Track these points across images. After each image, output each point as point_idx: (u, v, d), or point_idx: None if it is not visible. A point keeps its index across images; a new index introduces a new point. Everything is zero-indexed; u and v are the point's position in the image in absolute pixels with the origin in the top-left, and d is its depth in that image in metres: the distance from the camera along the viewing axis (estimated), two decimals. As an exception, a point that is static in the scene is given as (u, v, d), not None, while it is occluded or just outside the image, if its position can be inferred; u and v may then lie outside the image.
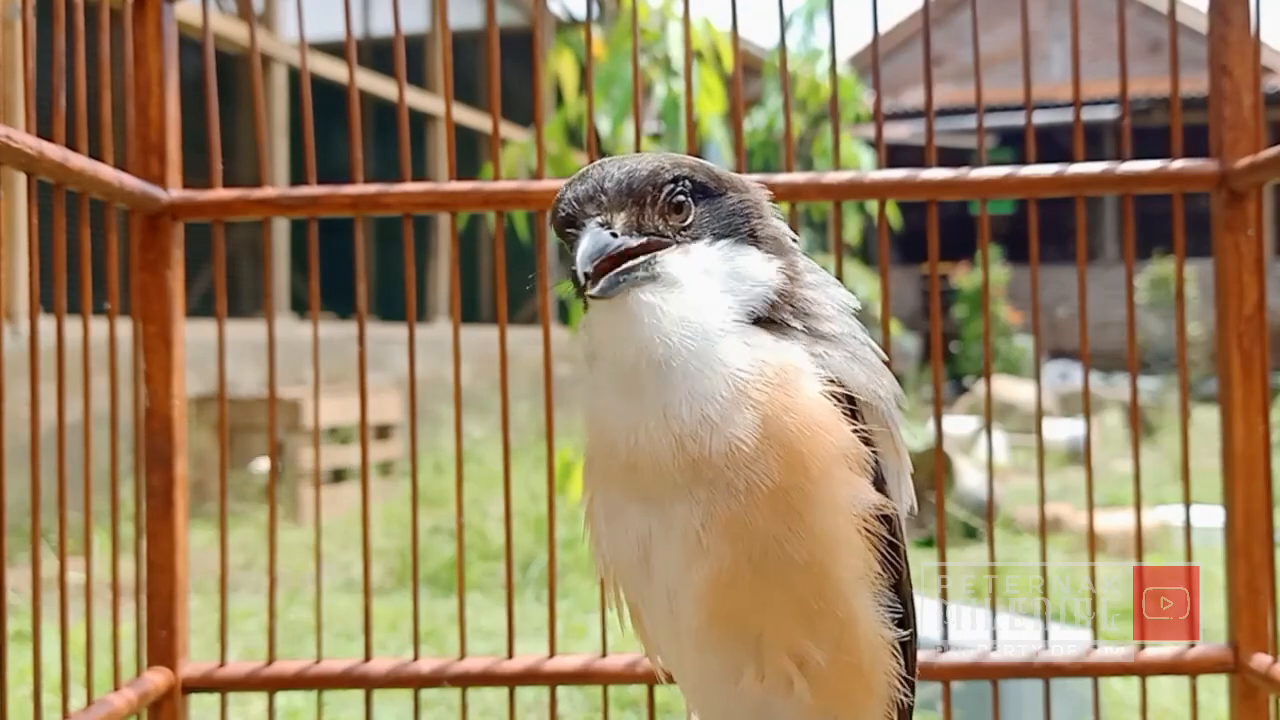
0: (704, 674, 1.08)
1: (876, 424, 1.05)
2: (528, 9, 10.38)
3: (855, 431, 1.02)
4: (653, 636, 1.12)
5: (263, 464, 6.19)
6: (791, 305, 1.06)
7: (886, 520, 1.03)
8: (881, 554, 1.03)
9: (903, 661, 1.07)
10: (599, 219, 1.02)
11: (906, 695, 1.08)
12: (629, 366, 1.02)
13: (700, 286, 1.03)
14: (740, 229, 1.07)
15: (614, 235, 1.02)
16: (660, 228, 1.04)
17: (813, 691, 1.04)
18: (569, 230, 1.03)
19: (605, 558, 1.10)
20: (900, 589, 1.06)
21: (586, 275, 1.00)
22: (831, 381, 1.02)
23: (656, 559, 1.03)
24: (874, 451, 1.04)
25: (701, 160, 1.11)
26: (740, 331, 1.02)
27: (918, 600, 1.67)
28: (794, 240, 1.12)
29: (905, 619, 1.07)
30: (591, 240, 1.00)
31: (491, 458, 5.90)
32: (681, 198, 1.05)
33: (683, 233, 1.05)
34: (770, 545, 0.98)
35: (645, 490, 1.02)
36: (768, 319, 1.04)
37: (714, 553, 0.99)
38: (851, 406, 1.03)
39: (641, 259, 1.02)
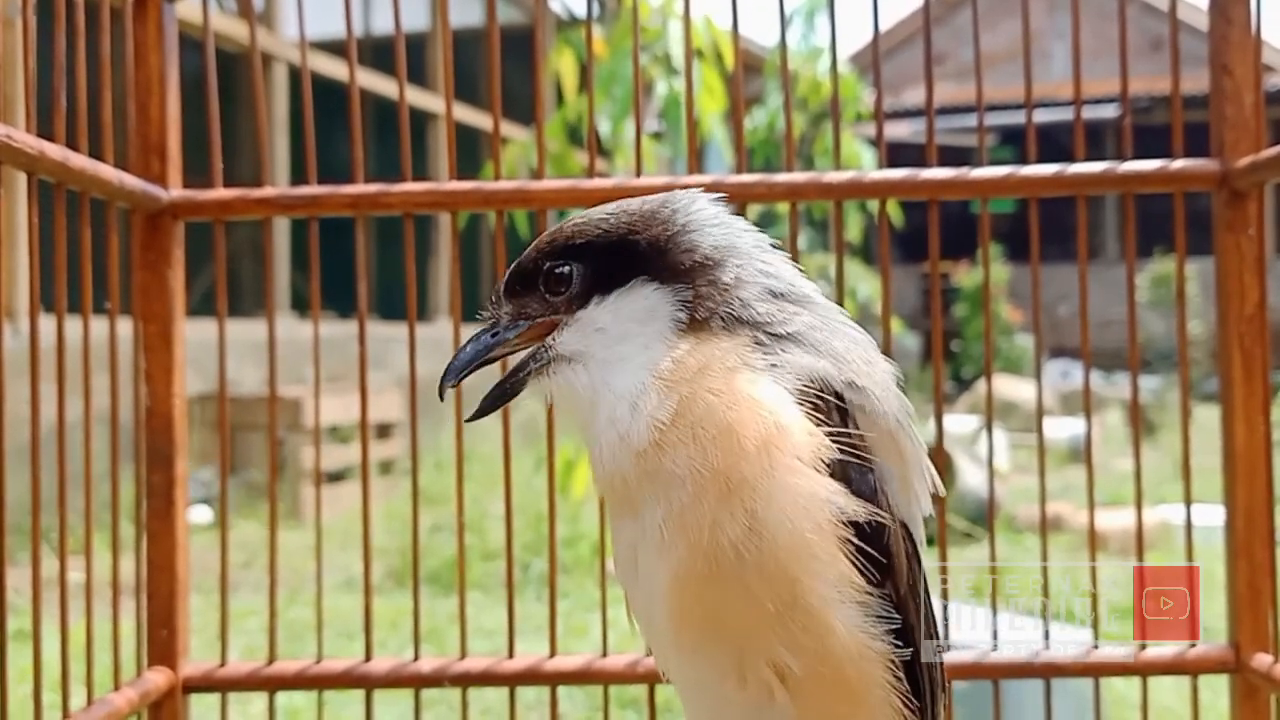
0: (688, 679, 1.07)
1: (868, 424, 1.02)
2: (528, 7, 10.36)
3: (824, 427, 0.99)
4: (648, 642, 1.12)
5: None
6: (719, 315, 1.04)
7: (859, 526, 0.98)
8: (856, 561, 0.98)
9: (904, 678, 1.02)
10: (489, 320, 1.13)
11: (915, 715, 1.03)
12: (587, 427, 1.08)
13: (599, 345, 1.07)
14: (635, 270, 1.08)
15: (493, 335, 1.12)
16: (543, 309, 1.10)
17: (795, 703, 1.00)
18: None
19: (615, 568, 1.11)
20: (902, 600, 1.02)
21: (450, 386, 1.13)
22: (785, 375, 1.00)
23: (640, 563, 1.04)
24: (853, 450, 1.00)
25: (612, 213, 1.11)
26: (659, 348, 1.05)
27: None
28: (731, 252, 1.08)
29: (908, 633, 1.02)
30: (460, 354, 1.12)
31: (492, 456, 5.89)
32: (564, 269, 1.09)
33: (570, 303, 1.09)
34: (720, 538, 0.97)
35: (629, 504, 1.03)
36: (696, 329, 1.04)
37: (673, 547, 1.00)
38: (816, 403, 1.00)
39: (531, 351, 1.11)
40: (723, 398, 0.99)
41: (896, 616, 1.01)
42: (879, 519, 1.00)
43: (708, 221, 1.09)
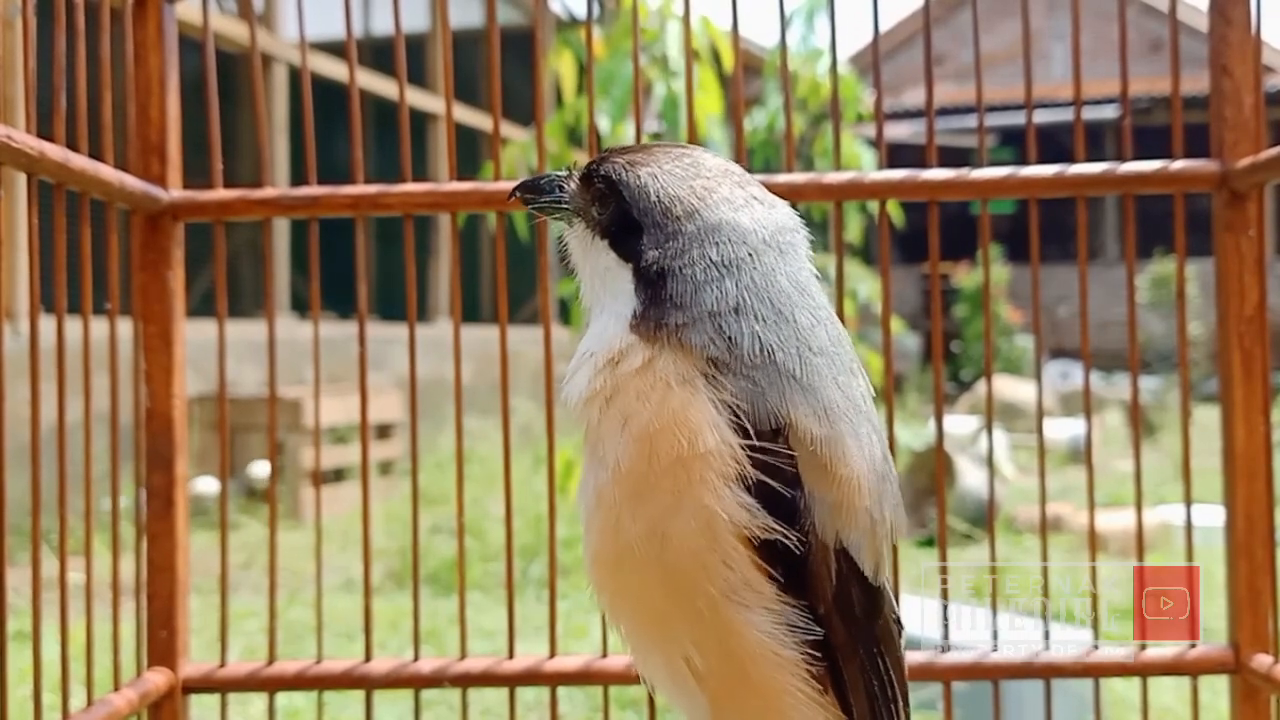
0: (631, 654, 1.12)
1: (806, 454, 1.03)
2: (528, 8, 10.37)
3: (750, 447, 1.01)
4: None
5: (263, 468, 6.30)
6: (666, 330, 1.06)
7: (768, 540, 1.01)
8: (766, 571, 1.01)
9: (828, 690, 1.04)
10: (562, 177, 1.19)
11: None
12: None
13: (585, 267, 1.17)
14: (630, 245, 1.11)
15: (560, 188, 1.19)
16: (583, 205, 1.17)
17: (705, 695, 1.05)
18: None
19: None
20: (824, 617, 1.04)
21: (516, 194, 1.22)
22: (726, 394, 1.02)
23: (585, 520, 1.10)
24: (775, 473, 1.01)
25: (657, 176, 1.12)
26: (623, 319, 1.10)
27: (917, 600, 1.68)
28: (729, 269, 1.08)
29: (833, 650, 1.05)
30: (537, 179, 1.21)
31: (492, 457, 5.90)
32: (602, 189, 1.14)
33: (593, 217, 1.16)
34: (624, 535, 1.02)
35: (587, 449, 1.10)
36: (653, 330, 1.07)
37: (594, 524, 1.06)
38: (748, 426, 1.01)
39: (566, 206, 1.19)
40: (649, 407, 1.03)
41: (818, 630, 1.04)
42: (784, 537, 1.01)
43: (724, 225, 1.09)
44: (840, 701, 1.06)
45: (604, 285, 1.14)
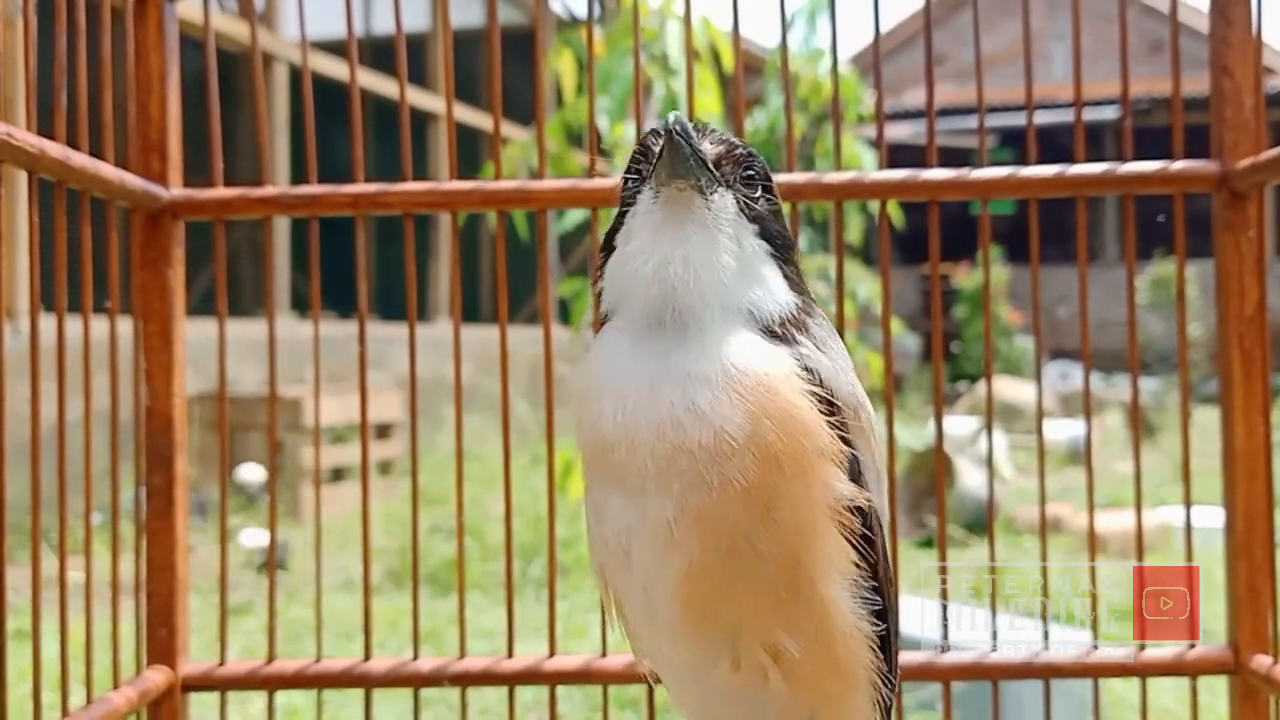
0: (681, 666, 1.11)
1: (855, 423, 1.08)
2: (529, 8, 10.37)
3: (833, 423, 1.04)
4: (633, 630, 1.15)
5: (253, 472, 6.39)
6: (795, 327, 1.09)
7: (860, 512, 1.05)
8: (855, 546, 1.05)
9: (883, 657, 1.08)
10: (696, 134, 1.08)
11: (887, 692, 1.10)
12: (654, 296, 1.06)
13: (728, 245, 1.08)
14: (779, 249, 1.12)
15: (700, 145, 1.08)
16: (732, 180, 1.11)
17: (788, 683, 1.06)
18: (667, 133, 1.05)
19: (595, 553, 1.13)
20: (881, 582, 1.08)
21: (679, 132, 1.04)
22: (816, 382, 1.05)
23: (635, 552, 1.06)
24: (849, 445, 1.06)
25: None
26: (744, 326, 1.06)
27: (917, 601, 1.69)
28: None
29: (884, 613, 1.08)
30: (693, 126, 1.07)
31: (491, 457, 5.90)
32: (754, 178, 1.11)
33: (748, 204, 1.11)
34: (739, 540, 1.01)
35: (624, 479, 1.04)
36: (779, 332, 1.08)
37: (684, 545, 1.02)
38: (831, 403, 1.05)
39: (705, 181, 1.07)
40: (776, 421, 1.01)
41: (878, 599, 1.07)
42: (870, 502, 1.06)
43: None
44: (887, 661, 1.10)
45: (728, 274, 1.07)
